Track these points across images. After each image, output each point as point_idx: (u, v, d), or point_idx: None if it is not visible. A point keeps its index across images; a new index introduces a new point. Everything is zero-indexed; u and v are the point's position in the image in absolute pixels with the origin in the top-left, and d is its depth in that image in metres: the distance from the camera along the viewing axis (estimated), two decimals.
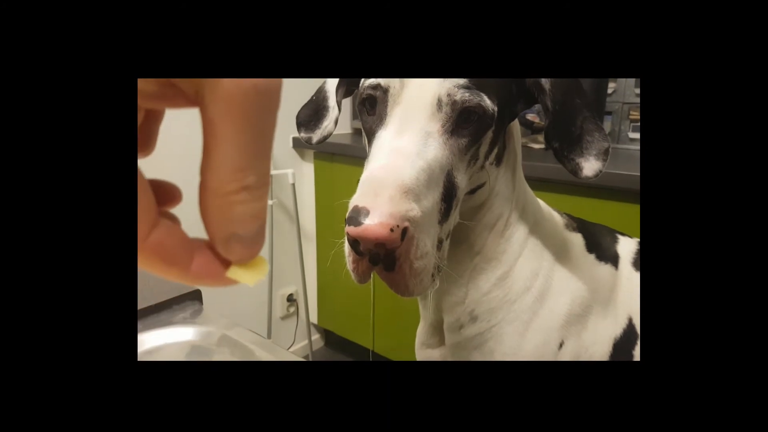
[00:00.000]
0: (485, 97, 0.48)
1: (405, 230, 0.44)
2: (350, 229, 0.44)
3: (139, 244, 0.19)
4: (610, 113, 1.55)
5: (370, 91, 0.51)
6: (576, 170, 0.51)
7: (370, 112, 0.52)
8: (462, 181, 0.51)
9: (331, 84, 0.62)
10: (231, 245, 0.19)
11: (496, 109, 0.49)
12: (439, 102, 0.47)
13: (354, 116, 1.94)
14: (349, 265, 0.48)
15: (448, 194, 0.50)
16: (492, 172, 0.57)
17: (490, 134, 0.52)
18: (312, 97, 0.65)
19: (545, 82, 0.51)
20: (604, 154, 0.51)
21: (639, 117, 1.51)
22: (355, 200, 0.45)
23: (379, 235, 0.42)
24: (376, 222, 0.43)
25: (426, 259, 0.47)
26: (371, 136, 0.52)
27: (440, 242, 0.50)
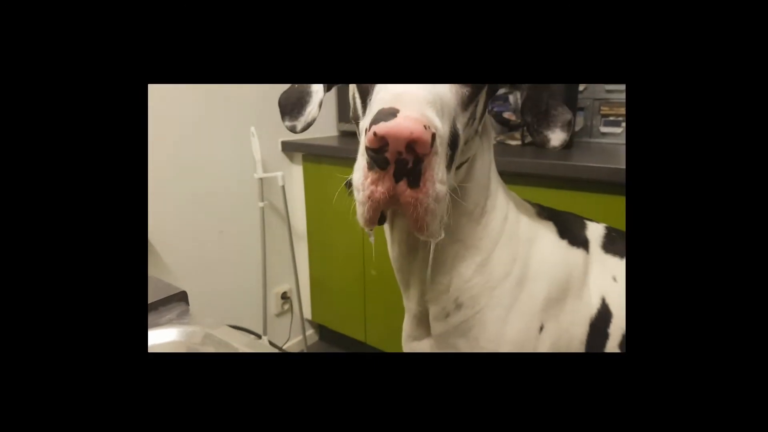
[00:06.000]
0: None
1: (433, 136, 0.40)
2: (380, 126, 0.38)
3: None
4: (582, 109, 1.62)
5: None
6: (544, 142, 0.56)
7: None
8: (462, 134, 0.51)
9: None
10: None
11: None
12: None
13: (340, 119, 1.99)
14: (364, 193, 0.43)
15: (453, 140, 0.48)
16: (475, 146, 0.59)
17: (484, 94, 0.54)
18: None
19: None
20: (568, 126, 0.56)
21: (609, 112, 1.59)
22: (377, 106, 0.41)
23: (414, 129, 0.38)
24: (411, 116, 0.38)
25: (444, 187, 0.43)
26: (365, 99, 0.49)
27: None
